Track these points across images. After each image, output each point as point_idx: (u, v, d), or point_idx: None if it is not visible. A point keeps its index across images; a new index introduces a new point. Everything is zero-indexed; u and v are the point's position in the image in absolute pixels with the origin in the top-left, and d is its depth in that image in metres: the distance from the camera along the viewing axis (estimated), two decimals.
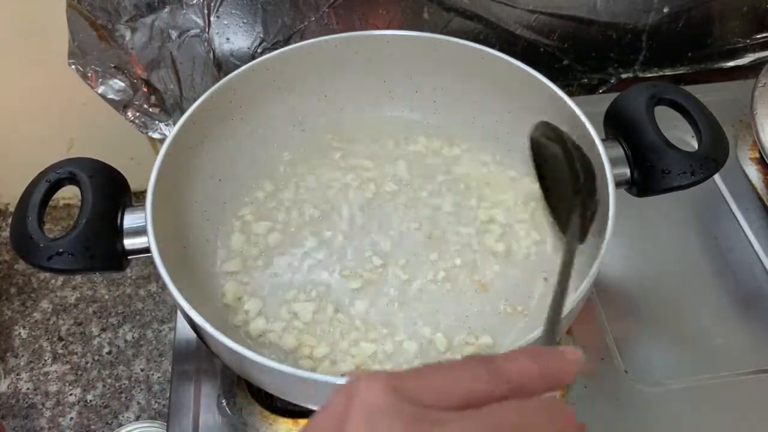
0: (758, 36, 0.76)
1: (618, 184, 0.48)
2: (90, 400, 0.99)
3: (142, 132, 0.74)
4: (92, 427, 0.97)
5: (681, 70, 0.78)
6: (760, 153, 0.64)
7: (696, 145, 0.49)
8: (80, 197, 0.46)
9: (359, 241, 0.55)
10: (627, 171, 0.50)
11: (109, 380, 1.01)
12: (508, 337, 0.49)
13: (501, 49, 0.54)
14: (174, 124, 0.50)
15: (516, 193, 0.57)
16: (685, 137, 0.59)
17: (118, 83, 0.71)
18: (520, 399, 0.23)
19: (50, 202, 0.46)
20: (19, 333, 1.07)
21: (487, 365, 0.23)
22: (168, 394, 0.79)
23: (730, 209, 0.63)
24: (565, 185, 0.44)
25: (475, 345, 0.48)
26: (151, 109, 0.73)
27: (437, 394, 0.22)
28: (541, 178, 0.50)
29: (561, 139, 0.45)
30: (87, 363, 1.03)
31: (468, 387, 0.23)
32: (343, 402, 0.22)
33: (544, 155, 0.48)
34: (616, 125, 0.51)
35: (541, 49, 0.73)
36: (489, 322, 0.50)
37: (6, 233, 1.19)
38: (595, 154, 0.48)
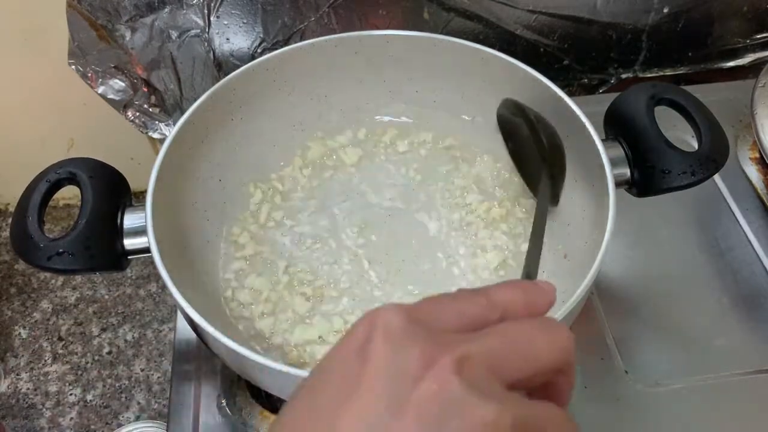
0: (758, 36, 0.76)
1: (618, 184, 0.48)
2: (90, 400, 0.99)
3: (142, 132, 0.74)
4: (92, 427, 0.97)
5: (681, 70, 0.78)
6: (760, 153, 0.64)
7: (696, 145, 0.49)
8: (80, 197, 0.46)
9: (360, 241, 0.55)
10: (627, 171, 0.50)
11: (109, 380, 1.01)
12: None
13: (501, 49, 0.54)
14: (174, 124, 0.50)
15: (514, 193, 0.57)
16: (685, 137, 0.59)
17: (118, 83, 0.71)
18: (520, 321, 0.26)
19: (50, 202, 0.46)
20: (19, 333, 1.07)
21: (483, 295, 0.26)
22: (168, 394, 0.79)
23: (730, 209, 0.63)
24: (533, 153, 0.50)
25: None
26: (151, 109, 0.73)
27: (448, 320, 0.25)
28: (514, 151, 0.56)
29: (524, 112, 0.50)
30: (87, 363, 1.03)
31: (472, 313, 0.25)
32: (365, 328, 0.24)
33: (512, 130, 0.53)
34: (616, 125, 0.51)
35: (541, 49, 0.73)
36: None
37: (6, 233, 1.19)
38: (595, 154, 0.48)
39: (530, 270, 0.36)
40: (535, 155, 0.50)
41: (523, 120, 0.51)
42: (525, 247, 0.54)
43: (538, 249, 0.39)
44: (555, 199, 0.52)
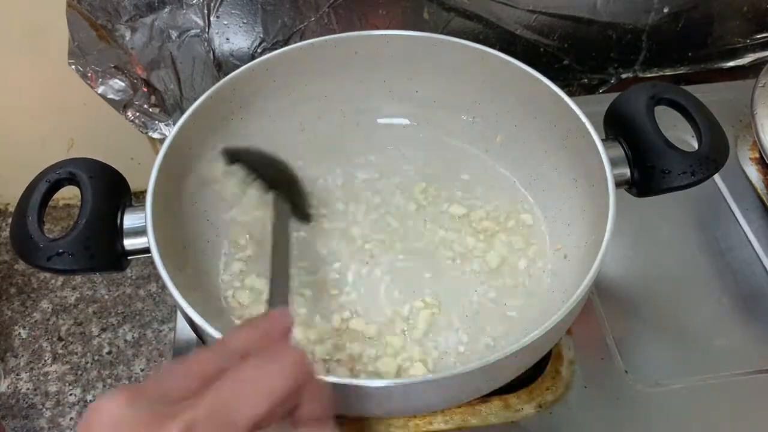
0: (758, 36, 0.76)
1: (618, 184, 0.48)
2: (90, 400, 0.99)
3: (142, 132, 0.74)
4: None
5: (681, 70, 0.77)
6: (760, 153, 0.64)
7: (696, 145, 0.49)
8: (80, 197, 0.46)
9: (359, 242, 0.55)
10: (627, 171, 0.50)
11: (109, 380, 1.01)
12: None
13: (501, 49, 0.54)
14: (174, 124, 0.50)
15: (514, 193, 0.57)
16: (685, 137, 0.59)
17: (118, 83, 0.70)
18: (245, 362, 0.26)
19: (50, 202, 0.46)
20: (19, 333, 1.07)
21: (216, 346, 0.27)
22: None
23: (730, 209, 0.63)
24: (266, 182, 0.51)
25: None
26: (151, 109, 0.73)
27: (176, 387, 0.25)
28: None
29: (238, 158, 0.50)
30: (87, 363, 1.03)
31: (202, 369, 0.25)
32: (84, 424, 0.24)
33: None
34: (616, 125, 0.51)
35: (541, 49, 0.73)
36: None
37: (6, 233, 1.19)
38: (595, 154, 0.48)
39: (272, 297, 0.36)
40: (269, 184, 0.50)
41: (242, 164, 0.50)
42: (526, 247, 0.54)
43: (283, 275, 0.39)
44: (305, 216, 0.53)
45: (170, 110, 0.73)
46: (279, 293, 0.37)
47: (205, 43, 0.69)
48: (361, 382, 0.38)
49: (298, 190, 0.53)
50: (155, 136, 0.74)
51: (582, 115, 0.50)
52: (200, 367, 0.25)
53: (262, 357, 0.25)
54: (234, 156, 0.50)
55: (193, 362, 0.26)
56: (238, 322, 0.50)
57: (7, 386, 1.01)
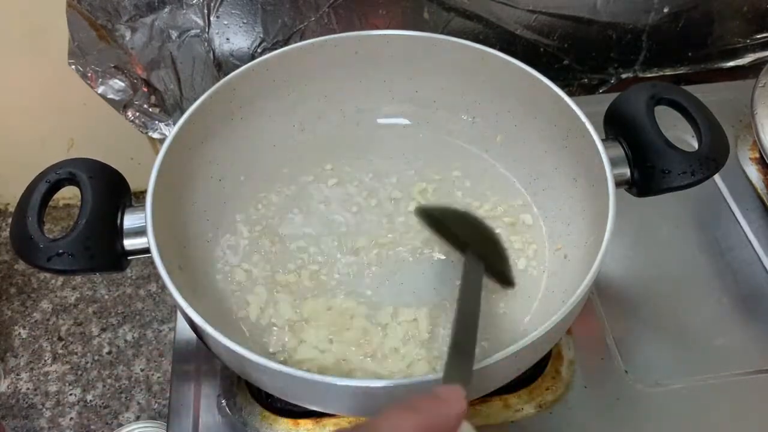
0: (758, 36, 0.76)
1: (618, 184, 0.48)
2: (90, 400, 0.99)
3: (142, 132, 0.74)
4: (92, 427, 0.97)
5: (681, 70, 0.78)
6: (760, 153, 0.64)
7: (696, 145, 0.49)
8: (80, 197, 0.45)
9: (361, 240, 0.55)
10: (627, 171, 0.50)
11: (109, 380, 1.01)
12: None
13: (501, 49, 0.54)
14: (174, 124, 0.50)
15: (514, 193, 0.57)
16: (685, 137, 0.59)
17: (118, 83, 0.71)
18: None
19: (50, 202, 0.46)
20: (19, 333, 1.07)
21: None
22: (168, 394, 0.79)
23: (730, 209, 0.63)
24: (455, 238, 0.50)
25: None
26: (151, 109, 0.73)
27: None
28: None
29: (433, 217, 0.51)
30: (87, 363, 1.03)
31: None
32: None
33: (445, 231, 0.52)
34: (616, 125, 0.51)
35: (541, 49, 0.73)
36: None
37: (6, 233, 1.19)
38: (595, 153, 0.48)
39: (449, 369, 0.31)
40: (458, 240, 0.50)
41: (435, 224, 0.51)
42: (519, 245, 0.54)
43: (468, 347, 0.33)
44: (508, 281, 0.50)
45: (170, 110, 0.74)
46: (460, 366, 0.31)
47: (205, 43, 0.69)
48: (362, 382, 0.38)
49: (497, 249, 0.50)
50: (155, 136, 0.74)
51: (582, 115, 0.50)
52: None
53: None
54: (427, 214, 0.50)
55: None
56: (238, 322, 0.50)
57: (7, 386, 1.01)
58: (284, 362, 0.48)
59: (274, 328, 0.50)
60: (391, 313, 0.50)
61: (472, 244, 0.47)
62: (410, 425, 0.23)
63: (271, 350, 0.49)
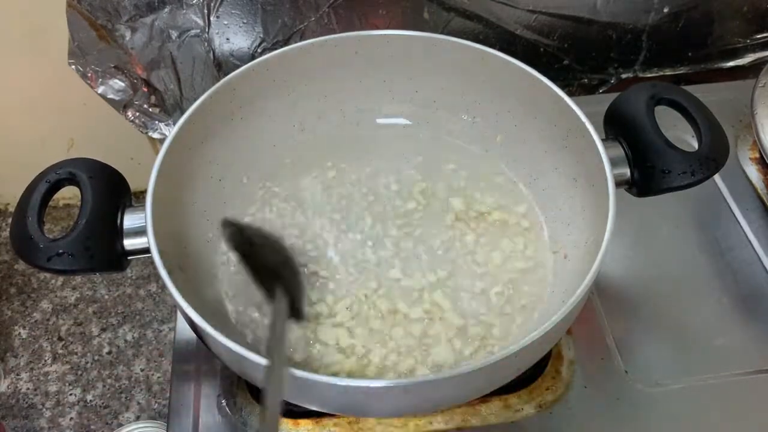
0: (758, 36, 0.76)
1: (618, 184, 0.48)
2: (90, 400, 0.99)
3: (142, 132, 0.74)
4: (92, 427, 0.97)
5: (681, 70, 0.78)
6: (760, 153, 0.64)
7: (696, 145, 0.49)
8: (80, 197, 0.46)
9: (360, 240, 0.55)
10: (627, 171, 0.50)
11: (109, 380, 1.01)
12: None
13: (501, 49, 0.54)
14: (174, 124, 0.50)
15: (514, 193, 0.57)
16: (685, 137, 0.59)
17: (118, 83, 0.71)
18: None
19: (50, 202, 0.46)
20: (19, 333, 1.07)
21: None
22: (168, 394, 0.79)
23: (730, 209, 0.63)
24: (263, 271, 0.46)
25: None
26: (151, 109, 0.73)
27: None
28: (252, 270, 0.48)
29: (242, 231, 0.47)
30: (87, 363, 1.03)
31: None
32: None
33: (241, 252, 0.48)
34: (616, 125, 0.51)
35: (541, 49, 0.73)
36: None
37: (6, 233, 1.19)
38: (595, 154, 0.48)
39: (264, 408, 0.32)
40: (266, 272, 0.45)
41: (242, 239, 0.46)
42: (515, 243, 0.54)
43: (278, 375, 0.35)
44: (298, 313, 0.44)
45: (170, 110, 0.74)
46: (270, 405, 0.33)
47: (205, 43, 0.69)
48: (362, 382, 0.38)
49: (297, 282, 0.46)
50: (155, 136, 0.74)
51: (582, 115, 0.50)
52: None
53: None
54: (231, 232, 0.46)
55: None
56: (238, 321, 0.50)
57: (7, 386, 1.01)
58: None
59: None
60: (395, 311, 0.50)
61: (282, 277, 0.44)
62: None
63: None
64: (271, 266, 0.45)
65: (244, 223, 0.47)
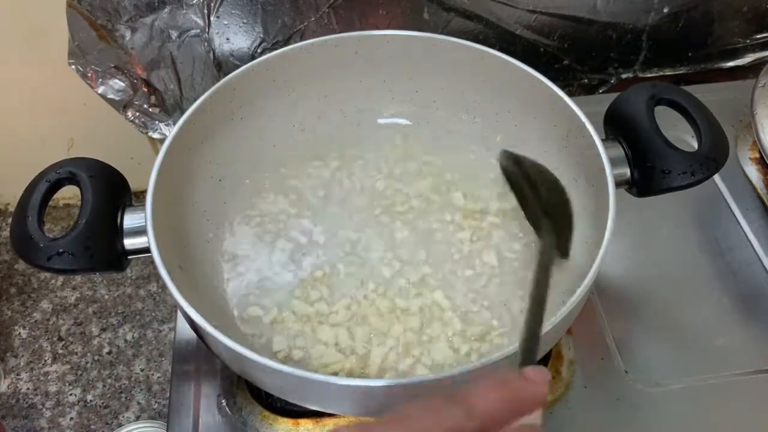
0: (758, 36, 0.76)
1: (618, 184, 0.48)
2: (90, 400, 0.99)
3: (142, 132, 0.74)
4: (92, 427, 0.97)
5: (681, 70, 0.78)
6: (760, 153, 0.64)
7: (696, 145, 0.49)
8: (80, 197, 0.46)
9: (360, 239, 0.55)
10: (627, 171, 0.50)
11: (109, 380, 1.01)
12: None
13: (501, 49, 0.54)
14: (174, 124, 0.50)
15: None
16: (685, 137, 0.59)
17: (118, 83, 0.71)
18: None
19: (50, 202, 0.46)
20: (19, 333, 1.07)
21: (459, 402, 0.24)
22: (168, 394, 0.79)
23: (730, 209, 0.63)
24: (534, 206, 0.46)
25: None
26: (151, 109, 0.73)
27: None
28: (521, 200, 0.50)
29: (520, 165, 0.47)
30: (87, 363, 1.03)
31: (448, 427, 0.23)
32: None
33: (514, 182, 0.49)
34: (616, 125, 0.51)
35: (541, 49, 0.73)
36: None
37: (6, 233, 1.19)
38: (595, 154, 0.48)
39: (525, 354, 0.31)
40: (537, 208, 0.46)
41: (520, 172, 0.47)
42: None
43: (539, 320, 0.33)
44: (564, 251, 0.44)
45: (170, 110, 0.74)
46: (533, 351, 0.31)
47: (205, 43, 0.69)
48: (362, 381, 0.38)
49: (566, 218, 0.44)
50: (155, 136, 0.74)
51: (582, 115, 0.50)
52: (445, 423, 0.23)
53: None
54: (514, 161, 0.46)
55: (436, 415, 0.23)
56: (238, 321, 0.50)
57: (7, 386, 1.01)
58: (284, 361, 0.48)
59: (275, 327, 0.50)
60: (394, 310, 0.50)
61: (550, 214, 0.44)
62: (495, 398, 0.24)
63: (272, 350, 0.49)
64: (545, 203, 0.44)
65: (522, 155, 0.46)
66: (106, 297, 1.10)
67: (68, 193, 0.82)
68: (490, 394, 0.24)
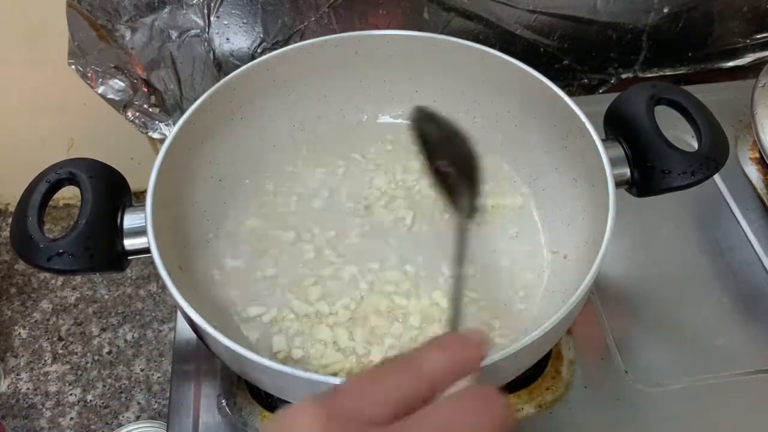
0: (758, 36, 0.76)
1: (618, 184, 0.48)
2: (90, 400, 0.99)
3: (142, 132, 0.74)
4: (92, 427, 0.97)
5: (681, 70, 0.78)
6: (760, 153, 0.64)
7: (696, 145, 0.49)
8: (80, 197, 0.46)
9: (360, 239, 0.55)
10: (627, 171, 0.50)
11: (109, 380, 1.01)
12: None
13: (501, 49, 0.54)
14: (174, 124, 0.50)
15: (514, 193, 0.57)
16: (685, 137, 0.59)
17: (118, 83, 0.71)
18: (449, 401, 0.24)
19: (50, 202, 0.46)
20: (19, 333, 1.07)
21: (408, 367, 0.25)
22: (168, 394, 0.79)
23: (730, 209, 0.63)
24: (444, 164, 0.44)
25: None
26: (151, 109, 0.73)
27: (375, 410, 0.23)
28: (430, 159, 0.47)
29: (434, 121, 0.45)
30: (87, 363, 1.03)
31: (400, 396, 0.24)
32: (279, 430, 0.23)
33: (425, 139, 0.46)
34: (616, 125, 0.51)
35: (541, 49, 0.73)
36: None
37: (6, 233, 1.19)
38: (595, 154, 0.48)
39: (455, 316, 0.32)
40: (451, 167, 0.44)
41: (433, 127, 0.45)
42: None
43: (460, 281, 0.34)
44: (471, 211, 0.42)
45: (170, 110, 0.74)
46: (456, 308, 0.32)
47: (205, 43, 0.69)
48: None
49: (476, 176, 0.43)
50: (155, 136, 0.74)
51: (582, 115, 0.50)
52: (395, 388, 0.24)
53: (472, 401, 0.24)
54: (421, 118, 0.44)
55: (386, 380, 0.24)
56: (238, 321, 0.50)
57: (7, 386, 1.01)
58: (284, 361, 0.48)
59: (275, 327, 0.50)
60: (394, 309, 0.50)
61: (462, 171, 0.43)
62: (439, 358, 0.25)
63: (272, 350, 0.49)
64: (453, 157, 0.44)
65: (435, 112, 0.45)
66: (106, 297, 1.10)
67: (68, 193, 0.82)
68: (434, 354, 0.25)
